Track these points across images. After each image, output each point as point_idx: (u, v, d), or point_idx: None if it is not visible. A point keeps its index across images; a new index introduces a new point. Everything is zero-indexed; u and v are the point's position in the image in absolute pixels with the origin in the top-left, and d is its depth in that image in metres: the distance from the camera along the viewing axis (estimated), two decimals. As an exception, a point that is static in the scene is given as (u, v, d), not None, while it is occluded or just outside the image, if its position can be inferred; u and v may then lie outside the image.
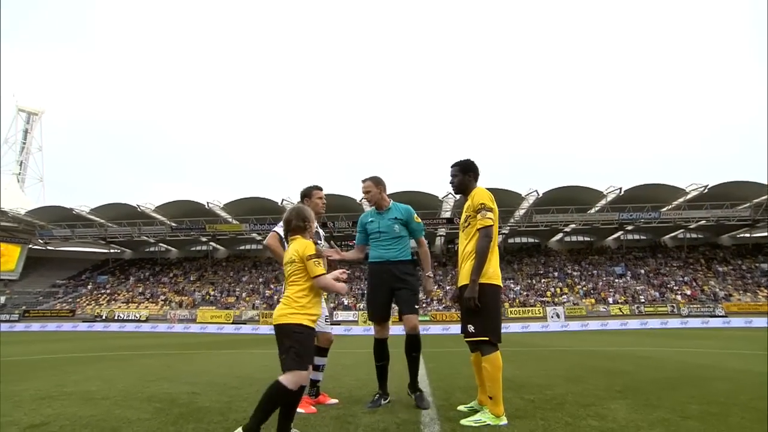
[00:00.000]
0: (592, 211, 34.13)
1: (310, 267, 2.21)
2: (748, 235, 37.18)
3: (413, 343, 3.19)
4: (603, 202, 33.04)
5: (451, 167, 2.93)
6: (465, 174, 2.88)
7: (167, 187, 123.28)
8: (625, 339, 13.23)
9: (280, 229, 2.84)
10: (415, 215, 3.45)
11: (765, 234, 36.70)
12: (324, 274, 2.24)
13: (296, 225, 2.32)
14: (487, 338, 2.57)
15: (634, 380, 4.18)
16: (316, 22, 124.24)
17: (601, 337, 15.15)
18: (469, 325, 2.61)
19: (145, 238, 38.69)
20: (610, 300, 30.28)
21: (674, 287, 31.46)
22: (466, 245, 2.73)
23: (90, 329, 28.54)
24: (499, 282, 2.69)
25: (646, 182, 31.06)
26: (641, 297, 30.39)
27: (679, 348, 8.80)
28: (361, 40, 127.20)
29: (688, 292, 30.54)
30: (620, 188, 31.34)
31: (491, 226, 2.65)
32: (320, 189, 3.42)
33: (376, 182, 3.40)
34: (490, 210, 2.66)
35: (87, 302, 34.94)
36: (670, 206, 33.06)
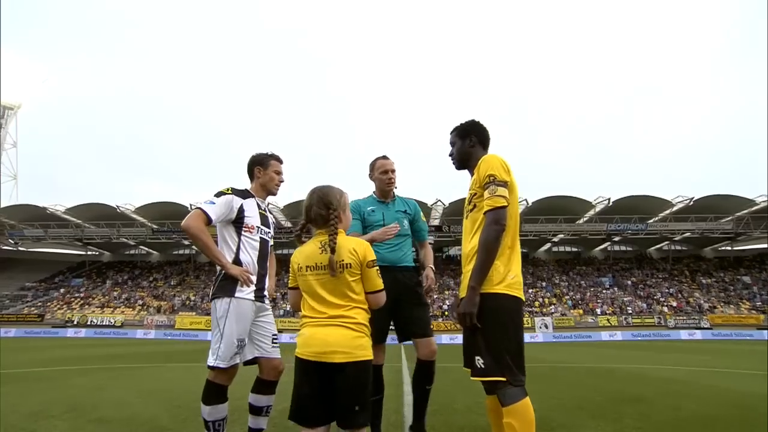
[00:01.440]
0: (581, 221, 34.30)
1: (373, 277, 1.65)
2: (729, 248, 37.92)
3: (428, 372, 2.56)
4: (592, 212, 33.24)
5: (450, 135, 2.06)
6: (464, 139, 1.96)
7: (149, 189, 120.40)
8: (626, 353, 12.69)
9: (210, 207, 2.19)
10: (422, 213, 2.93)
11: (745, 247, 37.52)
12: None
13: (317, 213, 1.66)
14: (503, 378, 1.65)
15: (674, 417, 3.47)
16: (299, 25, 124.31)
17: (597, 350, 14.78)
18: (476, 358, 1.70)
19: (125, 240, 37.21)
20: (598, 311, 30.25)
21: (660, 299, 31.68)
22: (471, 238, 1.82)
23: (56, 335, 26.90)
24: (519, 292, 1.75)
25: (634, 194, 31.38)
26: (628, 308, 30.47)
27: (692, 366, 8.17)
28: (348, 40, 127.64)
29: (674, 304, 30.76)
30: (609, 199, 31.59)
31: (504, 207, 1.71)
32: (279, 160, 2.53)
33: None
34: (503, 183, 1.72)
35: (58, 306, 33.16)
36: (656, 218, 33.46)
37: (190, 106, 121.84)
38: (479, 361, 1.70)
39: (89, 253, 41.49)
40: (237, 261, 2.26)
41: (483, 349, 1.70)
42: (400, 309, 2.56)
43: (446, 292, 33.31)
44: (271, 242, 2.48)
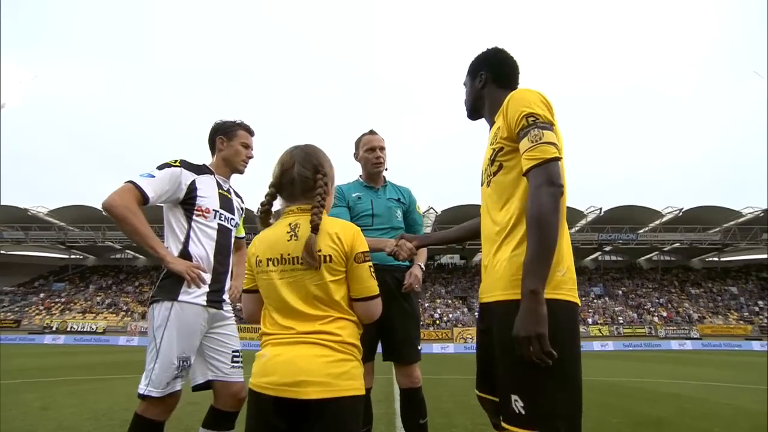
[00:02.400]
0: (573, 230, 34.46)
1: (364, 277, 1.15)
2: (716, 259, 38.48)
3: (417, 403, 2.12)
4: (583, 221, 33.45)
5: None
6: (473, 77, 1.43)
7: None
8: (625, 365, 12.34)
9: (147, 180, 1.66)
10: (417, 203, 2.47)
11: (732, 258, 38.13)
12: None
13: (301, 175, 1.18)
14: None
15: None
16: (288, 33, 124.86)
17: (595, 361, 14.51)
18: (513, 397, 1.09)
19: (110, 244, 36.17)
20: (590, 320, 30.26)
21: (651, 309, 31.85)
22: (498, 213, 1.24)
23: (31, 342, 25.73)
24: (575, 295, 1.17)
25: (626, 203, 31.71)
26: (620, 318, 30.54)
27: (699, 380, 7.79)
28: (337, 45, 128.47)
29: (664, 314, 30.95)
30: (600, 209, 31.84)
31: (558, 159, 1.13)
32: (249, 131, 1.99)
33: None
34: (549, 125, 1.16)
35: (36, 312, 31.92)
36: (646, 228, 33.81)
37: (179, 107, 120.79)
38: (517, 403, 1.07)
39: (73, 256, 40.24)
40: (185, 254, 1.74)
41: (529, 383, 1.07)
42: (384, 320, 2.09)
43: (437, 301, 33.00)
44: (236, 231, 1.98)
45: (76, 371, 8.34)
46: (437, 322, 29.70)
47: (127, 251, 40.21)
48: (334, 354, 1.09)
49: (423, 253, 2.29)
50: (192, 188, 1.78)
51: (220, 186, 1.91)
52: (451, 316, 30.48)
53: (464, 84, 1.49)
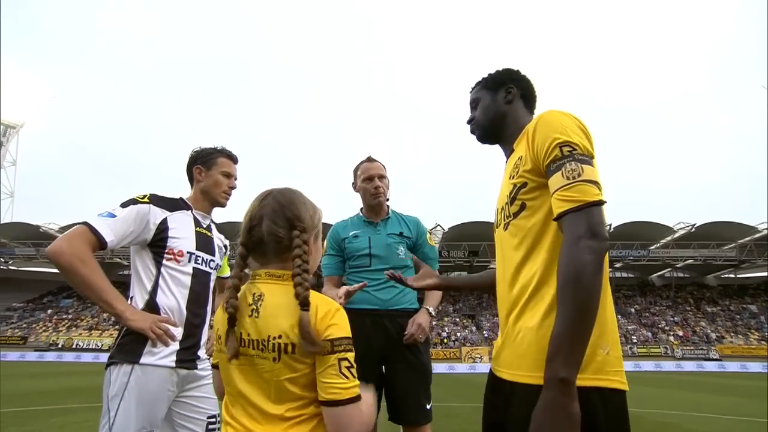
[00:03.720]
0: (582, 246, 33.89)
1: (329, 372, 0.86)
2: (732, 275, 37.37)
3: None
4: (593, 238, 32.93)
5: (470, 92, 1.26)
6: (495, 91, 1.18)
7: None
8: (645, 392, 11.61)
9: (104, 222, 1.44)
10: (428, 234, 2.21)
11: (749, 275, 36.99)
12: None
13: (270, 233, 0.93)
14: None
15: None
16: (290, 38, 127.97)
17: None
18: None
19: (118, 260, 36.45)
20: (603, 339, 29.42)
21: (665, 327, 30.85)
22: (520, 266, 1.00)
23: (35, 360, 25.63)
24: (624, 381, 0.90)
25: (636, 219, 31.16)
26: (633, 337, 29.59)
27: (729, 414, 7.13)
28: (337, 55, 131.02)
29: (681, 333, 29.93)
30: (610, 224, 31.28)
31: (602, 203, 0.89)
32: (232, 158, 1.76)
33: (384, 167, 2.15)
34: (590, 159, 0.91)
35: (43, 328, 32.01)
36: (658, 244, 33.09)
37: (188, 126, 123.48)
38: None
39: (81, 272, 40.63)
40: (151, 305, 1.52)
41: None
42: (389, 373, 1.85)
43: (445, 319, 32.39)
44: (216, 272, 1.74)
45: (70, 397, 8.10)
46: (445, 341, 29.05)
47: (135, 267, 40.47)
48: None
49: (434, 295, 2.05)
50: (162, 228, 1.55)
51: (198, 223, 1.67)
52: (459, 335, 29.82)
53: (473, 101, 1.22)
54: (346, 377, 0.85)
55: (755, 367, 24.43)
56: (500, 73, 1.20)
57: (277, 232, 0.92)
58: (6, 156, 49.40)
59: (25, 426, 5.03)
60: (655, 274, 39.33)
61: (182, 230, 1.61)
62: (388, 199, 2.14)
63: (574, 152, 0.90)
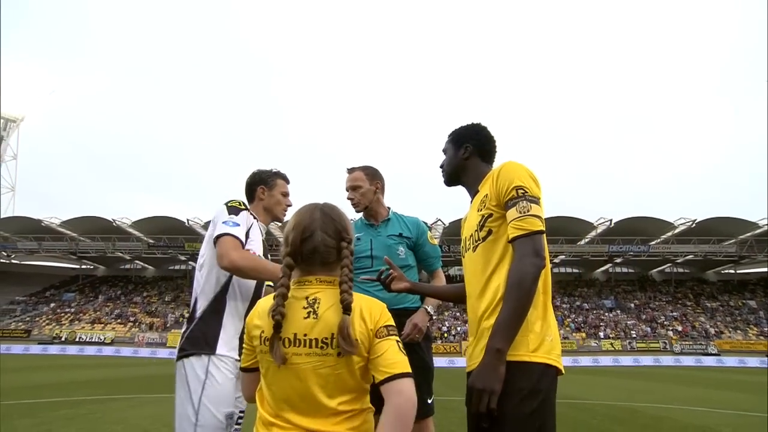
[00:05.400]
0: (582, 242, 33.93)
1: (392, 350, 0.95)
2: (732, 271, 37.45)
3: None
4: (593, 233, 32.94)
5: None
6: (457, 147, 1.46)
7: (145, 203, 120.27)
8: (642, 386, 11.68)
9: (238, 230, 1.63)
10: (429, 233, 2.28)
11: (749, 271, 37.06)
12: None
13: (324, 244, 1.01)
14: None
15: None
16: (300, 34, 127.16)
17: (609, 380, 13.89)
18: None
19: (120, 254, 36.64)
20: (601, 334, 29.53)
21: (665, 322, 31.01)
22: (487, 280, 1.26)
23: (39, 353, 25.90)
24: (559, 361, 1.20)
25: (636, 215, 31.18)
26: (632, 332, 29.76)
27: (724, 408, 7.15)
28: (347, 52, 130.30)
29: (679, 328, 30.08)
30: (610, 220, 31.34)
31: (542, 232, 1.21)
32: (286, 179, 2.01)
33: (370, 174, 2.18)
34: (536, 200, 1.23)
35: (46, 322, 32.27)
36: (658, 240, 33.14)
37: (191, 121, 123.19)
38: None
39: (83, 267, 40.82)
40: (218, 303, 1.64)
41: None
42: None
43: (445, 313, 32.58)
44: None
45: (77, 390, 8.29)
46: (445, 335, 29.26)
47: (136, 262, 40.64)
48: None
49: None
50: (249, 231, 1.75)
51: (262, 233, 1.91)
52: (459, 329, 30.02)
53: (444, 150, 1.52)
54: (404, 355, 0.97)
55: (753, 362, 24.57)
56: (462, 130, 1.50)
57: (329, 242, 1.02)
58: (6, 150, 49.40)
59: (35, 417, 5.14)
60: (655, 270, 39.41)
61: (257, 236, 1.82)
62: (366, 207, 2.18)
63: (526, 194, 1.23)
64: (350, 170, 2.23)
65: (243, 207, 1.75)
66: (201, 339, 1.59)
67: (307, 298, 0.98)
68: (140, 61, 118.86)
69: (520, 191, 1.22)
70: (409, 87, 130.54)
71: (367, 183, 2.17)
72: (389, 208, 2.26)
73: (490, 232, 1.28)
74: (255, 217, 1.87)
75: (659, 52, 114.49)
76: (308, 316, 0.96)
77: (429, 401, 1.97)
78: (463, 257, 1.40)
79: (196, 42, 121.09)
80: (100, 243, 34.48)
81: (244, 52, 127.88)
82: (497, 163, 1.43)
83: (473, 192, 1.44)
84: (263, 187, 1.95)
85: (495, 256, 1.25)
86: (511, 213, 1.22)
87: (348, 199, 2.17)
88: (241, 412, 1.69)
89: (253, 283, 1.75)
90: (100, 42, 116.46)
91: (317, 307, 0.96)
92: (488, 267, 1.26)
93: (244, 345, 1.06)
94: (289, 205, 2.01)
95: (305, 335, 0.94)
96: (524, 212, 1.20)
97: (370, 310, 0.99)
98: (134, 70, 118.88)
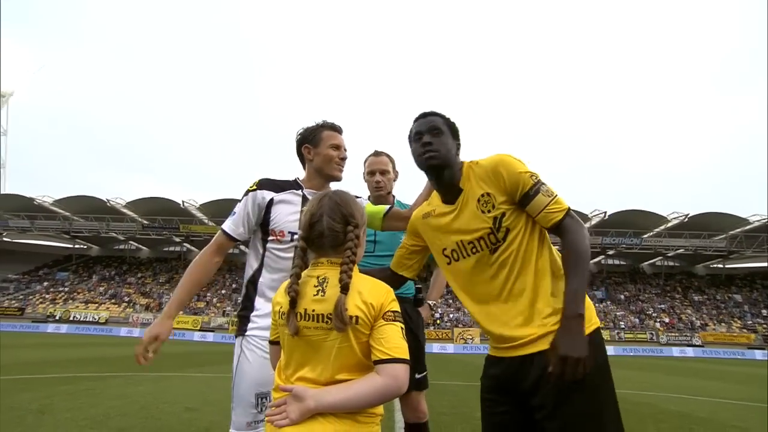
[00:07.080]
0: (576, 233, 34.27)
1: (393, 334, 1.02)
2: (720, 265, 38.15)
3: None
4: (587, 225, 33.24)
5: (422, 117, 1.40)
6: (455, 138, 1.41)
7: (140, 184, 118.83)
8: (628, 375, 12.01)
9: (229, 221, 1.65)
10: None
11: (737, 265, 37.78)
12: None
13: (330, 229, 1.09)
14: None
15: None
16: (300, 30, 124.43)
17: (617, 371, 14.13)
18: None
19: (114, 234, 36.43)
20: (591, 324, 30.17)
21: (653, 314, 31.66)
22: (517, 273, 1.27)
23: (35, 331, 25.99)
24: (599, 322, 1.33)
25: (631, 208, 31.47)
26: (621, 323, 30.38)
27: (705, 395, 7.38)
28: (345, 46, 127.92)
29: (667, 320, 30.76)
30: (605, 212, 31.61)
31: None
32: (336, 129, 1.73)
33: (393, 161, 2.23)
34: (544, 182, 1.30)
35: (40, 300, 32.24)
36: (651, 233, 33.55)
37: (184, 103, 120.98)
38: None
39: (77, 246, 40.57)
40: (254, 284, 1.62)
41: (593, 421, 1.15)
42: None
43: (439, 300, 32.96)
44: None
45: (75, 367, 8.34)
46: (438, 321, 29.68)
47: (131, 242, 40.45)
48: (357, 427, 0.98)
49: (440, 283, 2.27)
50: (267, 208, 1.62)
51: (306, 202, 1.63)
52: (452, 316, 30.46)
53: (434, 129, 1.35)
54: (405, 342, 1.04)
55: (734, 353, 25.38)
56: (456, 125, 1.44)
57: (335, 227, 1.09)
58: (-4, 125, 48.35)
59: (36, 392, 5.21)
60: (646, 263, 40.01)
61: (284, 210, 1.63)
62: (389, 193, 2.22)
63: (538, 179, 1.26)
64: (378, 153, 2.23)
65: (252, 188, 1.64)
66: (240, 320, 1.62)
67: (318, 277, 1.08)
68: (132, 39, 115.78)
69: (533, 177, 1.25)
70: (403, 79, 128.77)
71: (391, 169, 2.22)
72: (394, 195, 2.32)
73: (508, 231, 1.26)
74: (297, 186, 1.68)
75: (656, 48, 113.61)
76: (317, 294, 1.05)
77: (417, 376, 2.04)
78: (457, 260, 1.33)
79: (190, 21, 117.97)
80: (93, 223, 34.22)
81: (236, 32, 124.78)
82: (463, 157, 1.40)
83: (445, 190, 1.36)
84: (308, 146, 1.69)
85: (523, 248, 1.26)
86: (541, 199, 1.24)
87: (375, 181, 2.16)
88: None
89: (286, 267, 1.62)
90: (91, 19, 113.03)
91: (326, 286, 1.06)
92: (517, 261, 1.26)
93: (272, 320, 1.17)
94: (344, 159, 1.71)
95: (313, 311, 1.04)
96: (551, 195, 1.25)
97: (375, 292, 1.05)
98: (125, 47, 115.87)
